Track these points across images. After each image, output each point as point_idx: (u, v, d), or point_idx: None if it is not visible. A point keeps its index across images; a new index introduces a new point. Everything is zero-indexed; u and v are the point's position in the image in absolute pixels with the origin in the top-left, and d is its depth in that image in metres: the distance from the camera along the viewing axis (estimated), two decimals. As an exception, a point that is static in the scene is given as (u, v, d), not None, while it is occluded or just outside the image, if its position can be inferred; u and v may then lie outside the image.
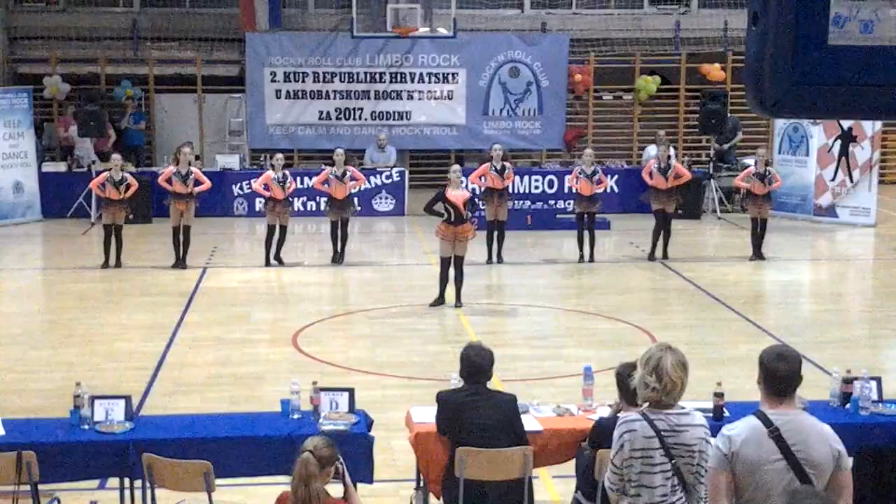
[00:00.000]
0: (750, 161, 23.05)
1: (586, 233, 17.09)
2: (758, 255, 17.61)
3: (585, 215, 17.11)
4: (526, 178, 22.09)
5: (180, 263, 16.53)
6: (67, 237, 19.56)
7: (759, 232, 17.66)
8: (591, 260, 17.02)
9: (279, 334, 12.83)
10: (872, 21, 2.41)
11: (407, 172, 22.14)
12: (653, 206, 17.49)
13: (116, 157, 17.36)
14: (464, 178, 14.56)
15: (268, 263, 16.55)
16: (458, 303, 13.86)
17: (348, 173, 16.72)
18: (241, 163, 22.16)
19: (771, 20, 2.39)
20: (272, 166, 16.88)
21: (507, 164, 17.36)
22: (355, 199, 17.91)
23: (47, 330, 13.34)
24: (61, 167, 21.84)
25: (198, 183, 16.60)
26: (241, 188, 21.60)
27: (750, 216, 17.81)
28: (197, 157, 22.58)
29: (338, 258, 16.80)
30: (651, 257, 17.39)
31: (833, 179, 21.55)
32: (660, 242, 17.46)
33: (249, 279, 15.79)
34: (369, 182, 20.85)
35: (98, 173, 17.78)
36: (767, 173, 17.74)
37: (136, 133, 23.42)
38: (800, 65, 2.38)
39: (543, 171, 22.26)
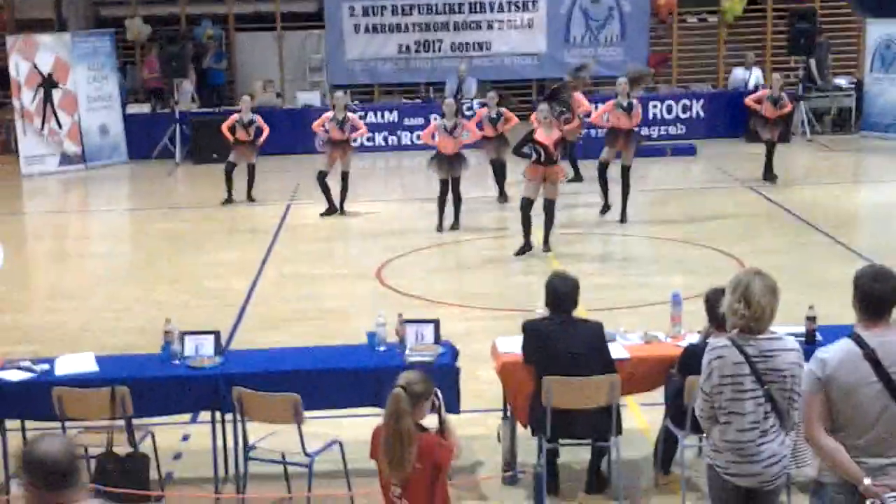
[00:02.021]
0: (842, 81, 22.50)
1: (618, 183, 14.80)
2: (768, 176, 17.13)
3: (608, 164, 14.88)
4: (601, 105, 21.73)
5: (334, 209, 15.87)
6: (154, 178, 19.80)
7: (769, 154, 17.02)
8: (623, 220, 14.69)
9: (363, 269, 12.86)
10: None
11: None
12: (762, 136, 17.12)
13: (246, 98, 17.43)
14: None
15: (331, 212, 15.80)
16: (546, 247, 13.02)
17: (459, 124, 14.61)
18: (322, 99, 22.15)
19: None
20: (333, 106, 16.08)
21: (634, 101, 14.83)
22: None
23: (137, 269, 13.55)
24: (145, 109, 22.06)
25: (354, 129, 15.94)
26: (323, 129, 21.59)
27: (763, 138, 17.17)
28: (278, 95, 22.72)
29: (440, 226, 14.59)
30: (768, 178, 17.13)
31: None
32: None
33: (330, 216, 15.81)
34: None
35: (228, 114, 17.78)
36: (781, 98, 16.98)
37: (217, 72, 23.52)
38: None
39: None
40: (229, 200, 16.87)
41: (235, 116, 16.86)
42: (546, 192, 12.87)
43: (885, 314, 4.79)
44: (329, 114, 16.00)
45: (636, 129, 14.96)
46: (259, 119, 16.90)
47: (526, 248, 13.02)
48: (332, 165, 15.77)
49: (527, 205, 12.91)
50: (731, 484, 5.14)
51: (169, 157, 20.98)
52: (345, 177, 15.76)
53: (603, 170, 14.82)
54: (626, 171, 14.57)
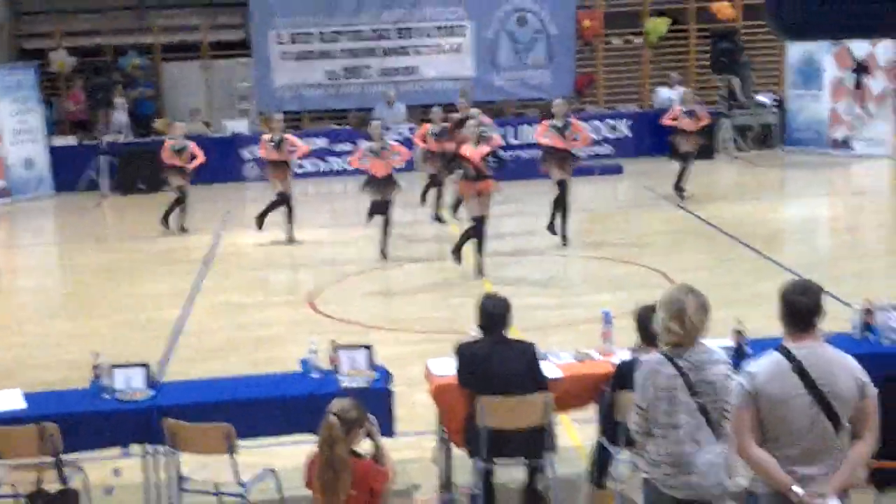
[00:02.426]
0: (764, 98, 22.91)
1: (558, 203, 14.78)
2: (679, 192, 17.44)
3: (559, 182, 14.69)
4: (537, 126, 21.91)
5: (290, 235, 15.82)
6: (81, 210, 19.56)
7: (683, 168, 17.32)
8: (564, 242, 14.67)
9: (296, 296, 12.83)
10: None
11: (416, 128, 22.00)
12: (681, 149, 17.31)
13: (180, 125, 17.36)
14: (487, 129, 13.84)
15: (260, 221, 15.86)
16: (480, 272, 12.99)
17: (387, 146, 14.41)
18: (251, 126, 22.08)
19: None
20: (269, 128, 16.07)
21: (571, 119, 14.99)
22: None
23: (66, 303, 13.37)
24: (71, 141, 21.82)
25: (292, 149, 15.81)
26: (251, 152, 21.53)
27: (681, 150, 17.39)
28: (206, 124, 22.60)
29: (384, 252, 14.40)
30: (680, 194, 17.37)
31: (848, 112, 21.34)
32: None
33: (263, 243, 15.74)
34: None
35: (157, 144, 17.69)
36: (694, 111, 17.27)
37: (145, 103, 23.35)
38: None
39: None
40: (184, 229, 16.82)
41: (169, 143, 16.74)
42: (479, 208, 12.90)
43: (810, 326, 4.88)
44: (266, 136, 15.92)
45: (574, 148, 14.91)
46: (193, 146, 16.81)
47: (467, 266, 13.07)
48: (276, 188, 15.74)
49: (480, 223, 12.95)
50: (669, 496, 5.19)
51: (96, 188, 20.75)
52: (287, 200, 15.66)
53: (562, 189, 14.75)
54: (563, 192, 14.62)
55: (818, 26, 2.40)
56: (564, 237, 14.64)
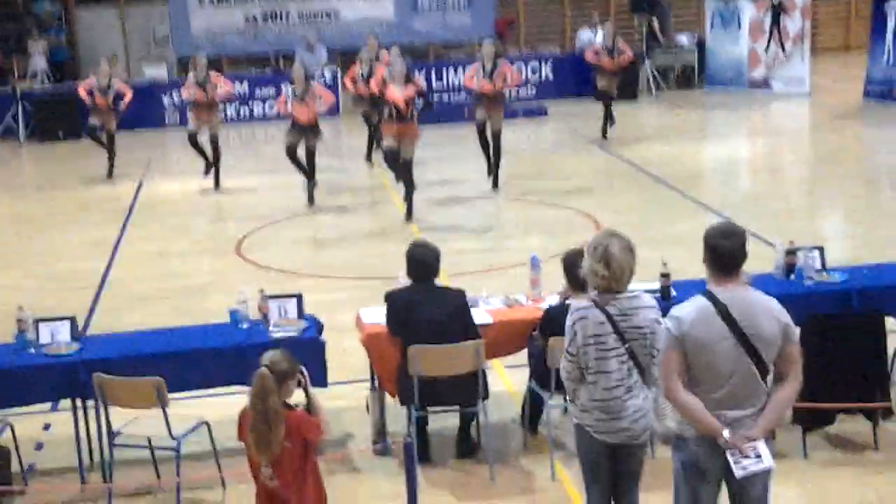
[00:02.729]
0: (684, 39, 23.05)
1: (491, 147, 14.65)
2: (604, 135, 17.58)
3: (486, 127, 14.52)
4: (459, 69, 21.89)
5: (210, 164, 15.68)
6: (-3, 159, 19.14)
7: (607, 109, 17.30)
8: (496, 185, 14.65)
9: (221, 244, 12.70)
10: None
11: (339, 72, 21.81)
12: (599, 86, 17.30)
13: (104, 64, 16.93)
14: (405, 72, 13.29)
15: (209, 167, 15.59)
16: (409, 216, 13.01)
17: (309, 89, 14.01)
18: (169, 73, 21.70)
19: None
20: (193, 67, 15.59)
21: (500, 62, 14.60)
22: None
23: (-16, 255, 13.10)
24: (-15, 88, 21.29)
25: (216, 88, 15.53)
26: (170, 98, 21.21)
27: (600, 89, 17.40)
28: (126, 72, 22.17)
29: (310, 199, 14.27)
30: (604, 136, 17.39)
31: (766, 50, 21.57)
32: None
33: (187, 190, 15.55)
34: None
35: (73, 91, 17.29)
36: (615, 47, 17.10)
37: (61, 49, 22.82)
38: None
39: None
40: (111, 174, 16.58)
41: (91, 80, 16.39)
42: (402, 150, 12.80)
43: (734, 270, 4.93)
44: (190, 75, 15.57)
45: (504, 91, 14.76)
46: (119, 83, 16.49)
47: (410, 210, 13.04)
48: (199, 128, 15.45)
49: (391, 154, 12.88)
50: (600, 441, 5.26)
51: (12, 136, 20.28)
52: (214, 141, 15.42)
53: (481, 131, 14.60)
54: (496, 136, 14.44)
55: None
56: (496, 183, 14.60)
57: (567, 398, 6.63)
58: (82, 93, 16.39)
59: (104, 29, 23.52)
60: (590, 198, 13.92)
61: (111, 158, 16.61)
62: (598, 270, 5.16)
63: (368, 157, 16.72)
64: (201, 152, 15.57)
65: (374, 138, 16.40)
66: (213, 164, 15.54)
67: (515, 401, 7.64)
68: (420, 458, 6.69)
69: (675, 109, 20.66)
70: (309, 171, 14.14)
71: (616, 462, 5.34)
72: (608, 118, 17.50)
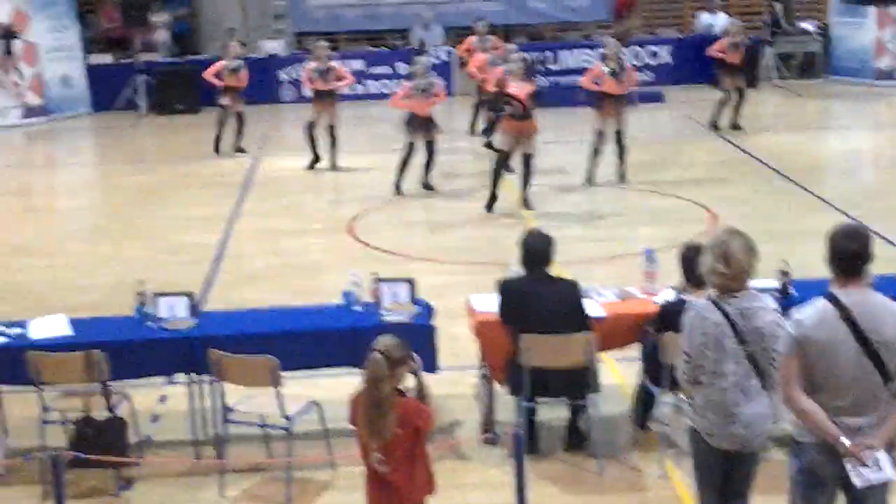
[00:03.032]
0: (808, 26, 22.50)
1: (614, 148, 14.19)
2: (735, 125, 17.14)
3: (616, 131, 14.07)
4: (575, 51, 21.72)
5: (318, 159, 15.74)
6: (118, 130, 19.57)
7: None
8: (623, 178, 14.18)
9: (335, 223, 12.81)
10: None
11: (456, 52, 21.79)
12: (725, 84, 16.98)
13: (234, 44, 17.27)
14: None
15: (315, 162, 15.67)
16: (528, 205, 12.85)
17: (435, 84, 13.91)
18: (287, 47, 21.93)
19: None
20: (316, 57, 15.69)
21: (626, 65, 14.25)
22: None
23: (105, 224, 13.43)
24: (107, 59, 21.75)
25: (338, 79, 15.63)
26: (287, 74, 21.44)
27: (723, 87, 16.98)
28: (242, 44, 22.44)
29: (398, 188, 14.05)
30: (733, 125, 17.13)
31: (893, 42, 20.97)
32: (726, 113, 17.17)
33: (301, 168, 15.70)
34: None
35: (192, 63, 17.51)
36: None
37: (180, 21, 23.22)
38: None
39: (593, 44, 21.77)
40: (217, 149, 16.77)
41: (221, 63, 16.64)
42: (523, 146, 12.74)
43: (859, 273, 4.82)
44: (311, 64, 15.69)
45: (628, 92, 14.34)
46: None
47: (492, 200, 12.89)
48: (318, 116, 15.54)
49: (502, 158, 12.81)
50: (714, 447, 5.18)
51: (133, 108, 20.73)
52: (332, 130, 15.49)
53: (600, 135, 14.14)
54: (619, 136, 14.07)
55: None
56: (622, 176, 14.24)
57: (681, 397, 6.58)
58: (210, 77, 16.60)
59: (224, 2, 23.84)
60: (705, 188, 13.69)
61: (240, 133, 16.84)
62: (717, 268, 5.08)
63: (472, 129, 16.74)
64: (314, 146, 15.58)
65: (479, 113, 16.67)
66: (318, 160, 15.60)
67: (625, 394, 7.57)
68: (528, 449, 6.67)
69: (794, 98, 20.20)
70: (427, 162, 13.97)
71: (730, 467, 5.25)
72: (738, 109, 17.10)
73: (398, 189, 13.98)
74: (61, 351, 6.85)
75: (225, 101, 16.62)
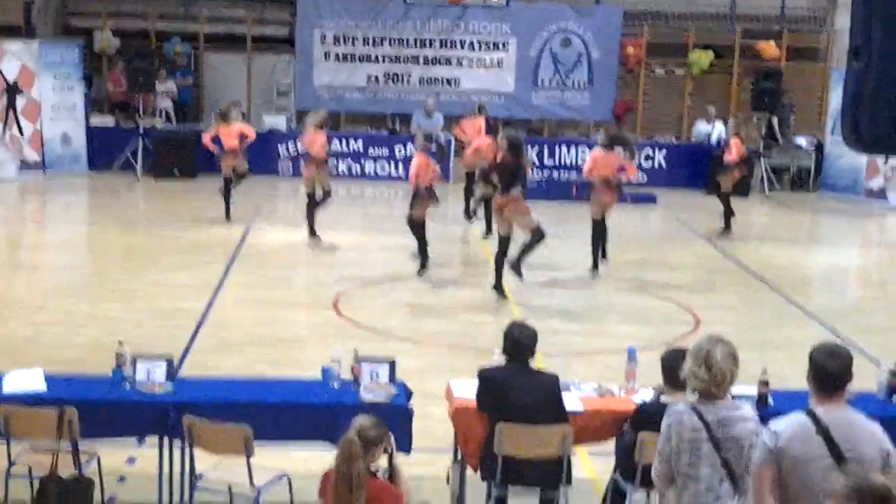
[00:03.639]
0: (802, 141, 22.82)
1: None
2: (726, 231, 17.35)
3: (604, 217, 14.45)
4: (573, 148, 21.98)
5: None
6: (113, 191, 19.65)
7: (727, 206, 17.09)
8: (595, 267, 14.46)
9: (321, 298, 12.81)
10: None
11: (453, 140, 22.02)
12: (723, 187, 17.16)
13: (236, 111, 17.66)
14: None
15: (312, 234, 15.75)
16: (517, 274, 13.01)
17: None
18: (288, 123, 22.16)
19: (874, 56, 2.27)
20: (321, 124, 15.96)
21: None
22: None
23: (91, 283, 13.41)
24: (109, 121, 21.94)
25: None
26: (287, 148, 21.62)
27: (722, 189, 17.24)
28: (244, 116, 22.68)
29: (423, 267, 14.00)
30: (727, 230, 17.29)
31: (886, 162, 21.22)
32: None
33: (292, 241, 15.76)
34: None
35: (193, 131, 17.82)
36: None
37: (184, 90, 23.46)
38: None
39: (590, 142, 21.99)
40: (228, 217, 16.97)
41: (212, 131, 16.87)
42: (519, 225, 12.81)
43: (838, 391, 4.86)
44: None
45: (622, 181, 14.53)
46: (244, 126, 16.92)
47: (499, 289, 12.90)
48: (310, 185, 15.68)
49: (502, 246, 12.83)
50: (684, 547, 5.16)
51: (130, 170, 20.83)
52: (326, 197, 15.71)
53: (598, 223, 14.41)
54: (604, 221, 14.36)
55: (894, 143, 2.38)
56: (596, 265, 14.41)
57: (650, 493, 6.55)
58: (207, 142, 16.78)
59: (230, 74, 24.13)
60: (691, 292, 13.76)
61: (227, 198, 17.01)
62: (698, 373, 5.13)
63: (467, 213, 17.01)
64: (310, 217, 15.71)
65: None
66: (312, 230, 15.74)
67: (596, 489, 7.53)
68: (496, 537, 6.62)
69: (784, 210, 20.39)
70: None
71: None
72: (728, 214, 17.26)
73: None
74: (34, 406, 6.80)
75: (224, 171, 16.82)
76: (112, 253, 15.01)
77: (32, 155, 20.33)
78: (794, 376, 9.81)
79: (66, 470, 6.75)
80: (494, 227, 14.05)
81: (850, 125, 2.39)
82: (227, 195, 16.90)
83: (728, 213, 17.20)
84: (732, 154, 17.00)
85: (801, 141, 23.00)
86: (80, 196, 19.66)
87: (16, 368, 7.56)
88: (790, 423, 4.83)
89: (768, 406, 7.11)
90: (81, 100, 21.28)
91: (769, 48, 24.02)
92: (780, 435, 4.80)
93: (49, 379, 7.27)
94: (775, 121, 22.76)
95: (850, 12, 2.53)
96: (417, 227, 13.75)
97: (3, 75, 19.92)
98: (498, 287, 12.86)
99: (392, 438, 5.55)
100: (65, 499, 6.60)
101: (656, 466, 5.26)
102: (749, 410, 5.24)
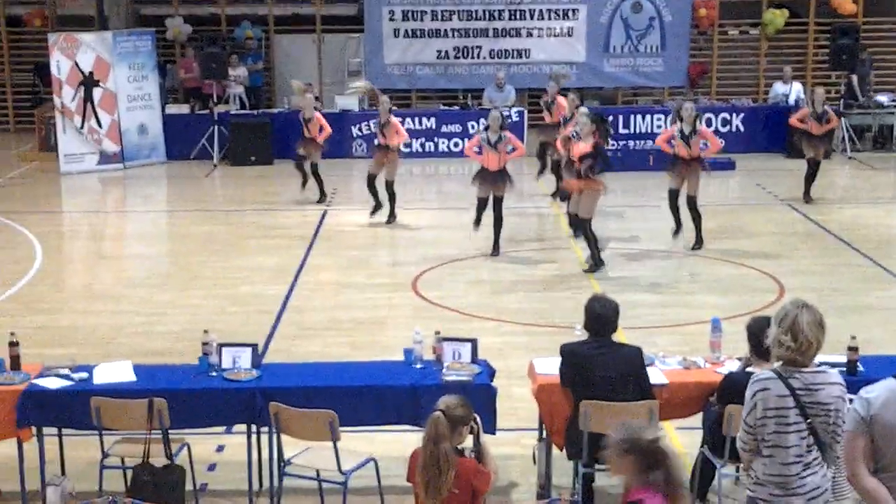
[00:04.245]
0: (883, 98, 22.29)
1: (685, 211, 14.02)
2: (808, 198, 16.85)
3: (679, 192, 13.94)
4: (648, 116, 21.71)
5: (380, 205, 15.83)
6: (191, 179, 19.87)
7: (812, 173, 16.69)
8: (699, 245, 13.98)
9: (399, 278, 12.85)
10: None
11: (526, 112, 21.90)
12: (807, 154, 16.78)
13: (308, 96, 17.70)
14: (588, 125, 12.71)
15: (375, 210, 15.68)
16: (594, 264, 12.74)
17: (504, 137, 13.55)
18: (360, 104, 22.18)
19: None
20: (378, 109, 15.77)
21: (699, 127, 13.90)
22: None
23: (173, 272, 13.58)
24: (184, 109, 22.15)
25: (396, 134, 15.59)
26: (360, 129, 21.67)
27: (806, 157, 16.82)
28: (316, 98, 22.77)
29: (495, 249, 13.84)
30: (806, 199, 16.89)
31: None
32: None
33: (369, 222, 15.80)
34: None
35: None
36: (825, 113, 16.65)
37: (255, 75, 23.61)
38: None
39: (666, 110, 21.74)
40: (304, 186, 17.34)
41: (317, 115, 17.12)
42: (581, 209, 12.68)
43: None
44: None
45: (702, 158, 13.97)
46: (318, 116, 16.98)
47: (596, 262, 12.80)
48: (377, 170, 15.67)
49: (571, 218, 12.88)
50: (773, 518, 5.09)
51: (207, 157, 21.05)
52: (389, 186, 15.56)
53: (673, 197, 14.01)
54: (692, 201, 13.85)
55: None
56: (699, 241, 14.01)
57: (741, 468, 6.46)
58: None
59: (300, 56, 24.23)
60: (774, 258, 13.54)
61: (320, 186, 17.14)
62: (783, 341, 5.02)
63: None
64: (374, 195, 15.69)
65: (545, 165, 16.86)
66: (380, 207, 15.68)
67: (685, 464, 7.45)
68: (585, 515, 6.60)
69: (867, 171, 19.99)
70: (496, 220, 13.74)
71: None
72: (811, 180, 16.91)
73: (495, 249, 13.80)
74: (125, 397, 6.93)
75: (301, 149, 17.01)
76: (192, 241, 15.19)
77: (112, 146, 20.61)
78: (884, 341, 9.70)
79: (158, 459, 6.87)
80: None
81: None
82: (317, 176, 17.03)
83: (811, 182, 16.87)
84: (821, 126, 16.63)
85: (883, 98, 22.45)
86: (159, 185, 19.91)
87: (104, 360, 7.73)
88: (882, 390, 4.74)
89: (858, 373, 6.99)
90: (156, 89, 21.49)
91: (846, 3, 23.46)
92: (872, 402, 4.72)
93: (138, 370, 7.39)
94: (854, 79, 22.23)
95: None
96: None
97: (79, 67, 20.19)
98: (597, 261, 12.77)
99: (478, 418, 5.55)
100: (158, 487, 6.71)
101: (741, 437, 5.19)
102: (835, 375, 5.14)
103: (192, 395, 7.08)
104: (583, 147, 12.62)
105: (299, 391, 7.02)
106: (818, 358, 5.16)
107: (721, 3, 23.76)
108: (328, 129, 16.95)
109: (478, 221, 13.86)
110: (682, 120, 13.82)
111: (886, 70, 23.43)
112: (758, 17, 23.93)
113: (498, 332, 10.59)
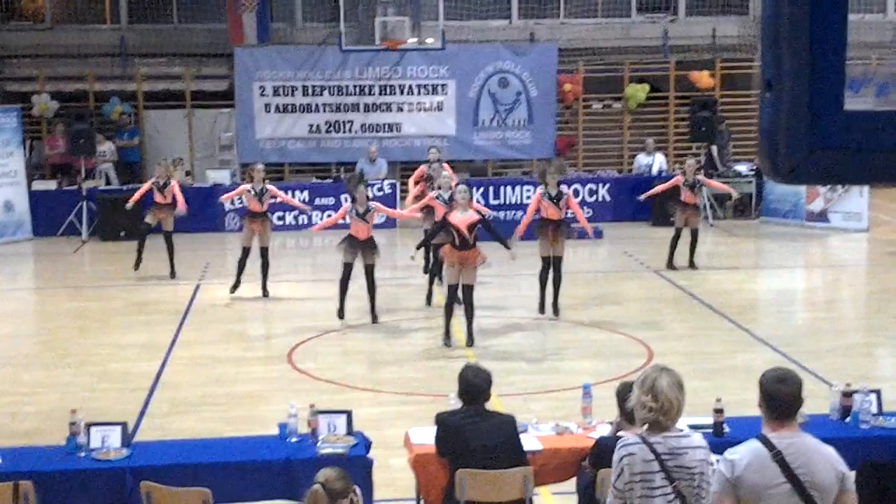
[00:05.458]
0: (742, 168, 23.13)
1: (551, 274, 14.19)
2: (671, 265, 17.34)
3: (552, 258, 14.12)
4: (518, 187, 22.11)
5: (238, 284, 15.59)
6: (59, 256, 19.49)
7: (693, 241, 17.19)
8: (556, 312, 14.25)
9: (274, 351, 12.78)
10: (888, 85, 2.36)
11: (398, 184, 22.12)
12: (678, 223, 17.23)
13: (163, 162, 17.53)
14: (470, 198, 13.13)
15: (234, 289, 15.47)
16: (470, 340, 12.68)
17: (371, 209, 13.85)
18: (232, 178, 22.12)
19: (785, 86, 2.36)
20: (250, 178, 15.73)
21: (565, 190, 14.35)
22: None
23: (41, 351, 13.26)
24: (51, 185, 21.78)
25: (273, 199, 15.76)
26: (232, 203, 21.55)
27: (675, 225, 17.30)
28: (188, 173, 22.62)
29: (341, 312, 13.97)
30: (669, 265, 17.29)
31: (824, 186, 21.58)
32: (678, 252, 17.38)
33: (242, 296, 15.69)
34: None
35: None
36: (697, 182, 17.19)
37: (131, 150, 23.39)
38: (815, 131, 2.35)
39: (534, 181, 22.16)
40: (137, 266, 16.85)
41: (149, 183, 16.81)
42: (464, 277, 12.63)
43: (791, 416, 4.91)
44: (246, 185, 15.74)
45: (566, 219, 14.28)
46: (174, 185, 16.78)
47: (446, 339, 12.78)
48: (250, 239, 15.53)
49: (451, 290, 12.71)
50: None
51: (75, 234, 20.68)
52: (264, 253, 15.43)
53: (546, 266, 14.16)
54: (557, 262, 14.09)
55: (814, 173, 2.46)
56: (556, 309, 14.26)
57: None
58: (136, 196, 16.79)
59: (171, 131, 24.06)
60: (642, 324, 13.87)
61: (171, 257, 16.87)
62: (645, 402, 5.16)
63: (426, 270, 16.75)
64: (239, 270, 15.47)
65: (429, 253, 16.46)
66: (239, 285, 15.50)
67: (562, 529, 7.55)
68: (462, 584, 6.61)
69: (728, 237, 20.65)
70: (370, 288, 13.85)
71: None
72: (675, 247, 17.33)
73: (341, 314, 13.90)
74: (-11, 480, 6.73)
75: (150, 218, 16.79)
76: (61, 318, 14.87)
77: (-25, 224, 20.13)
78: (749, 402, 9.95)
79: (25, 544, 6.67)
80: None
81: (767, 157, 2.47)
82: (170, 247, 16.84)
83: (693, 246, 17.32)
84: (693, 195, 17.16)
85: (741, 168, 23.31)
86: (25, 262, 19.48)
87: (-32, 443, 7.49)
88: (745, 452, 4.87)
89: (724, 434, 7.18)
90: (22, 165, 21.11)
91: (703, 78, 24.43)
92: (736, 464, 4.84)
93: (3, 452, 7.19)
94: (714, 149, 23.07)
95: (760, 44, 2.62)
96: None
97: (-59, 145, 19.75)
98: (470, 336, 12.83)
99: (358, 490, 5.55)
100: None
101: (611, 501, 5.29)
102: (699, 438, 5.28)
103: (60, 477, 6.90)
104: (469, 217, 12.66)
105: (172, 469, 6.91)
106: (684, 420, 5.30)
107: (585, 78, 24.46)
108: (181, 204, 16.74)
109: (342, 300, 13.81)
110: (546, 184, 14.12)
111: (744, 141, 24.35)
112: (620, 91, 24.71)
113: (374, 402, 10.59)
